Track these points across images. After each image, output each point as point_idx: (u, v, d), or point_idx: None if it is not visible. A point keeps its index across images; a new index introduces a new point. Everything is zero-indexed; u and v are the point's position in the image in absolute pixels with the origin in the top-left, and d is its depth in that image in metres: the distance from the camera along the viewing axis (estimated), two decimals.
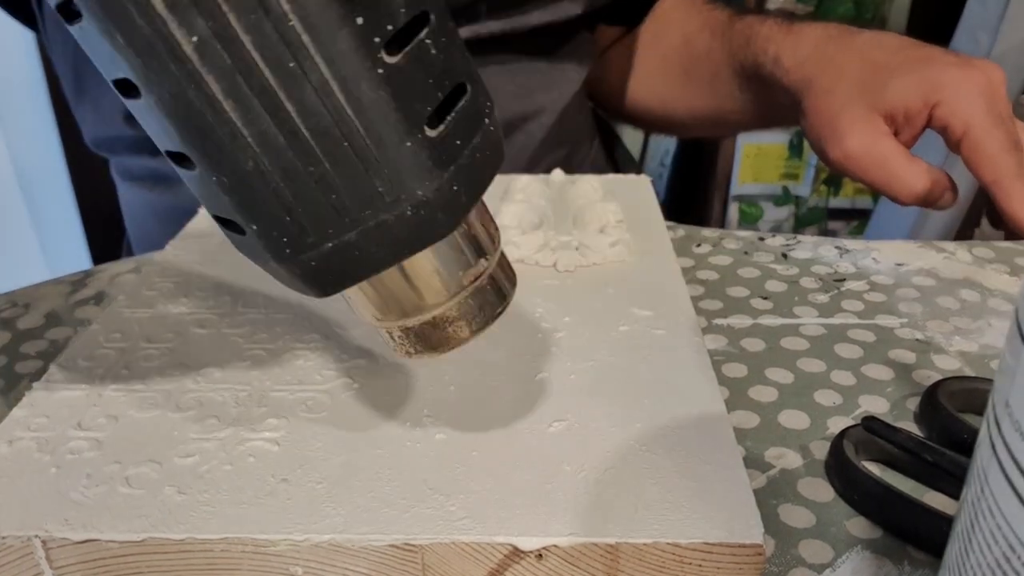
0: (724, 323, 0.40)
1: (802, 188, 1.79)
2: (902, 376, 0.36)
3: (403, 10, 0.18)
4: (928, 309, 0.41)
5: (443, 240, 0.21)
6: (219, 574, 0.23)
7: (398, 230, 0.20)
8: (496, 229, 0.23)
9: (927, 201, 0.46)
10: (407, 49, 0.19)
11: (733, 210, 1.82)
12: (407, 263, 0.21)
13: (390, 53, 0.18)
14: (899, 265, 0.45)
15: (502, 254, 0.24)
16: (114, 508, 0.24)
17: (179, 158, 0.20)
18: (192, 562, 0.23)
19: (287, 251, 0.20)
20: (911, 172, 0.45)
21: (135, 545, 0.23)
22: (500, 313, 0.23)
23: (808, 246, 0.47)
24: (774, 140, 1.75)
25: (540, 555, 0.22)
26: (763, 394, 0.35)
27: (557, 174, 0.44)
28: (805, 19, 0.56)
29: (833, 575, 0.26)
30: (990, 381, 0.31)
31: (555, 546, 0.22)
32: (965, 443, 0.30)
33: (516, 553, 0.22)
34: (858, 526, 0.28)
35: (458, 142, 0.20)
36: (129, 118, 0.55)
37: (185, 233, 0.41)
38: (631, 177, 0.47)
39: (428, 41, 0.19)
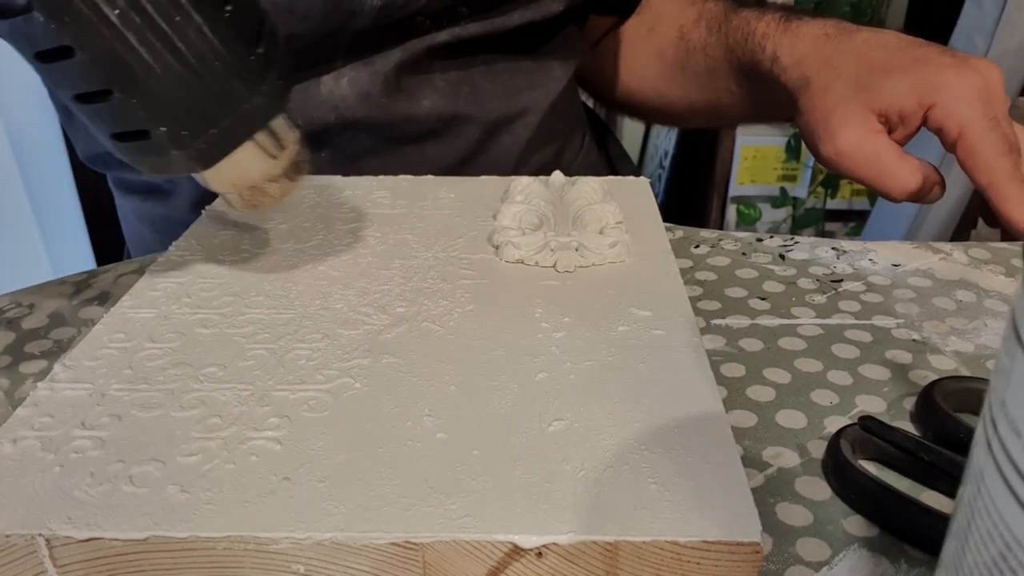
0: (722, 323, 0.40)
1: (799, 190, 1.80)
2: (899, 376, 0.36)
3: None
4: (924, 310, 0.41)
5: (279, 116, 0.33)
6: (222, 572, 0.24)
7: (255, 112, 0.31)
8: (295, 121, 0.34)
9: (917, 197, 0.46)
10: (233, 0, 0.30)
11: (731, 211, 1.83)
12: (258, 135, 0.32)
13: (226, 4, 0.29)
14: (896, 266, 0.45)
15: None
16: (117, 507, 0.24)
17: (92, 97, 0.30)
18: (195, 560, 0.23)
19: (187, 139, 0.30)
20: (903, 169, 0.45)
21: (138, 544, 0.23)
22: (305, 174, 0.35)
23: (805, 247, 0.48)
24: (772, 142, 1.75)
25: (540, 553, 0.23)
26: (761, 394, 0.35)
27: (557, 176, 0.45)
28: (803, 14, 0.55)
29: (830, 573, 0.26)
30: (986, 381, 0.31)
31: (555, 544, 0.23)
32: (961, 442, 0.30)
33: (516, 551, 0.23)
34: (855, 524, 0.28)
35: (273, 53, 0.31)
36: None
37: (188, 234, 0.41)
38: (630, 179, 0.47)
39: None
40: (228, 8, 0.29)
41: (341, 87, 0.54)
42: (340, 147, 0.56)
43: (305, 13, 0.50)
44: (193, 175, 0.33)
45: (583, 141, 0.68)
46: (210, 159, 0.31)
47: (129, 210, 0.64)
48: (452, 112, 0.57)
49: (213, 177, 0.33)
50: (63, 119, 0.61)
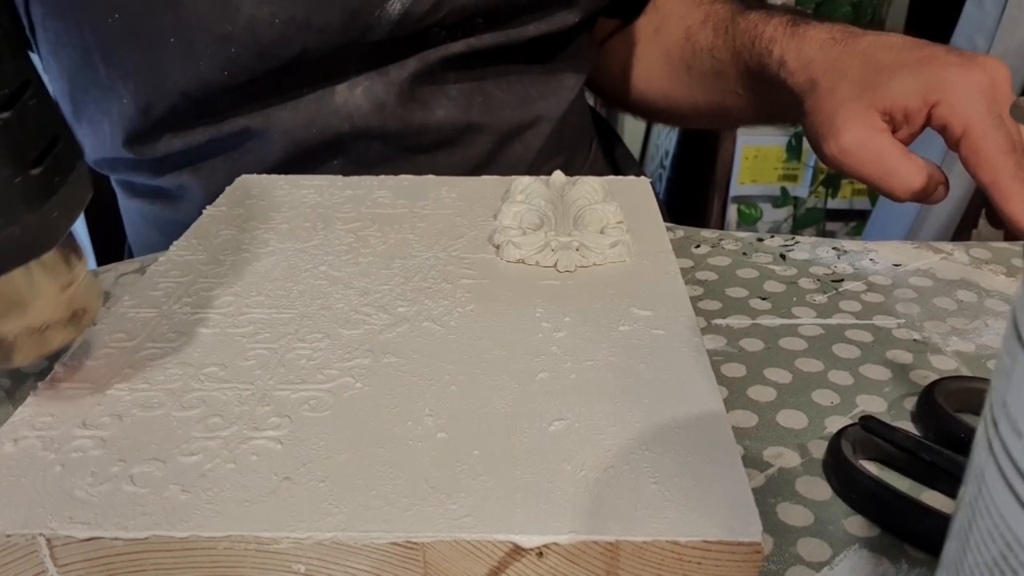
0: (723, 323, 0.40)
1: (800, 189, 1.80)
2: (899, 376, 0.36)
3: (12, 78, 0.24)
4: (925, 310, 0.41)
5: (49, 253, 0.26)
6: (222, 572, 0.24)
7: (10, 245, 0.25)
8: (80, 252, 0.29)
9: (921, 196, 0.46)
10: (16, 106, 0.24)
11: (732, 211, 1.83)
12: (19, 271, 0.26)
13: (3, 110, 0.24)
14: (896, 266, 0.45)
15: (87, 271, 0.29)
16: (118, 506, 0.24)
17: None
18: (196, 560, 0.23)
19: None
20: (907, 168, 0.45)
21: (139, 543, 0.23)
22: (90, 323, 0.30)
23: (806, 247, 0.48)
24: (773, 142, 1.75)
25: (541, 553, 0.23)
26: (762, 394, 0.35)
27: (557, 175, 0.45)
28: (810, 18, 0.56)
29: (831, 573, 0.26)
30: (987, 381, 0.31)
31: (555, 544, 0.23)
32: (962, 442, 0.30)
33: (517, 551, 0.23)
34: (856, 525, 0.28)
35: (56, 179, 0.26)
36: (129, 143, 0.55)
37: (189, 234, 0.41)
38: (631, 178, 0.47)
39: (31, 102, 0.25)
40: (3, 115, 0.24)
41: (356, 96, 0.54)
42: (353, 156, 0.56)
43: (322, 27, 0.50)
44: None
45: (591, 148, 0.68)
46: None
47: (135, 212, 0.64)
48: (465, 122, 0.57)
49: None
50: (69, 122, 0.60)
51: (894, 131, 0.47)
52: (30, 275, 0.26)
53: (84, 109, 0.57)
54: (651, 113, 0.75)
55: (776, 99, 0.56)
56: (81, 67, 0.54)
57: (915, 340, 0.39)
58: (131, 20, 0.51)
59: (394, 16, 0.51)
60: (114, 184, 0.65)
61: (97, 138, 0.57)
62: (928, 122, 0.46)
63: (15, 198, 0.24)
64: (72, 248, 0.28)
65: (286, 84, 0.53)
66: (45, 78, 0.60)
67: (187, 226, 0.43)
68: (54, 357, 0.37)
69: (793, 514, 0.28)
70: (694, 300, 0.41)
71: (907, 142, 0.47)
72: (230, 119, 0.54)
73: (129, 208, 0.65)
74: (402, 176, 0.48)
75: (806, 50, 0.52)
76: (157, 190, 0.60)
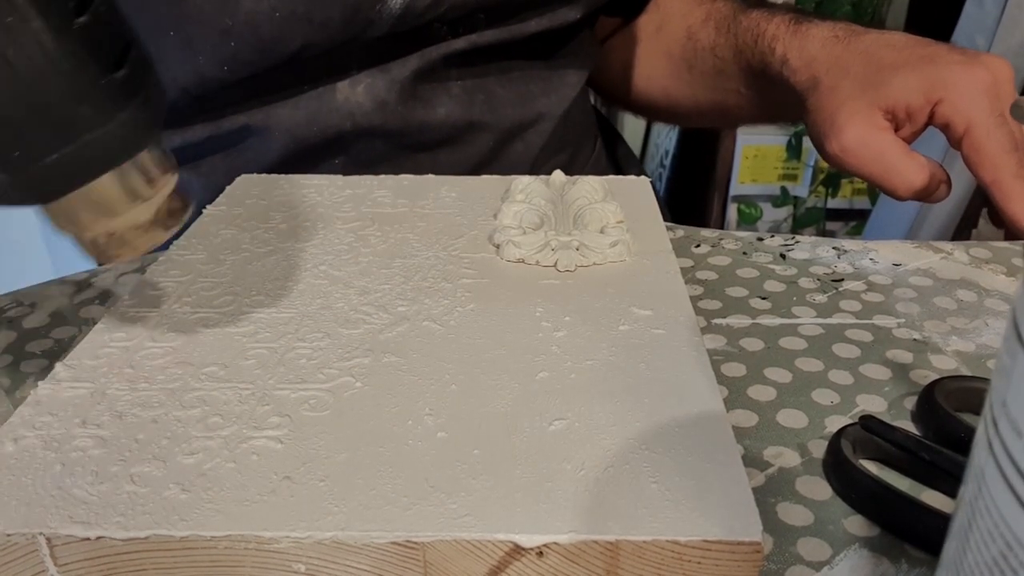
0: (723, 323, 0.40)
1: (800, 189, 1.79)
2: (899, 376, 0.36)
3: None
4: (925, 309, 0.41)
5: (139, 154, 0.27)
6: (222, 571, 0.24)
7: (106, 144, 0.26)
8: (171, 158, 0.29)
9: (923, 195, 0.46)
10: (90, 10, 0.25)
11: (732, 211, 1.83)
12: (111, 174, 0.27)
13: (79, 15, 0.24)
14: (897, 265, 0.45)
15: (178, 178, 0.30)
16: (118, 506, 0.24)
17: None
18: (196, 559, 0.23)
19: (19, 164, 0.25)
20: (909, 166, 0.45)
21: (139, 542, 0.23)
22: (180, 224, 0.30)
23: (806, 247, 0.48)
24: (773, 141, 1.75)
25: (541, 552, 0.23)
26: (762, 393, 0.35)
27: (558, 175, 0.45)
28: (812, 16, 0.56)
29: (831, 573, 0.26)
30: (987, 380, 0.31)
31: (555, 543, 0.23)
32: (962, 442, 0.30)
33: (517, 550, 0.23)
34: (856, 524, 0.28)
35: (139, 80, 0.27)
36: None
37: (189, 233, 0.41)
38: (631, 178, 0.47)
39: (102, 8, 0.25)
40: (81, 20, 0.25)
41: (357, 94, 0.54)
42: (354, 154, 0.56)
43: (323, 21, 0.50)
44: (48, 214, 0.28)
45: (594, 147, 0.68)
46: (48, 193, 0.26)
47: None
48: (467, 119, 0.57)
49: (59, 216, 0.28)
50: None
51: (896, 129, 0.47)
52: (123, 178, 0.27)
53: None
54: (652, 112, 0.75)
55: (778, 98, 0.56)
56: None
57: (915, 340, 0.39)
58: (130, 15, 0.51)
59: (395, 11, 0.51)
60: None
61: None
62: (931, 120, 0.46)
63: (105, 99, 0.25)
64: (163, 154, 0.29)
65: (286, 81, 0.53)
66: None
67: (186, 224, 0.42)
68: (54, 357, 0.37)
69: (793, 514, 0.29)
70: (694, 300, 0.41)
71: (909, 140, 0.47)
72: (229, 116, 0.53)
73: None
74: (402, 176, 0.48)
75: (809, 48, 0.52)
76: None
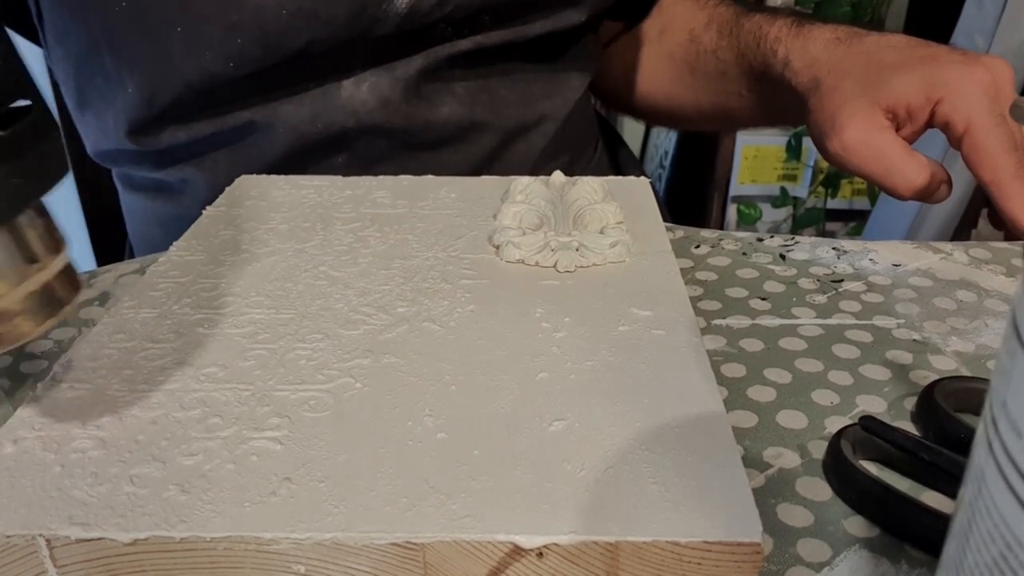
0: (723, 323, 0.40)
1: (800, 189, 1.79)
2: (899, 376, 0.36)
3: None
4: (925, 310, 0.41)
5: (5, 230, 0.24)
6: (222, 572, 0.24)
7: None
8: (62, 239, 0.26)
9: (924, 194, 0.46)
10: None
11: (731, 211, 1.83)
12: None
13: None
14: (896, 266, 0.45)
15: (68, 263, 0.26)
16: (118, 507, 0.24)
17: None
18: (195, 560, 0.23)
19: None
20: (910, 165, 0.45)
21: (139, 544, 0.23)
22: (56, 315, 0.26)
23: (806, 247, 0.48)
24: (772, 142, 1.75)
25: (541, 553, 0.23)
26: (761, 394, 0.35)
27: (557, 175, 0.45)
28: (814, 18, 0.56)
29: (831, 574, 0.26)
30: (986, 381, 0.31)
31: (555, 544, 0.23)
32: (962, 442, 0.30)
33: (517, 551, 0.23)
34: (856, 525, 0.28)
35: (21, 145, 0.24)
36: (132, 133, 0.55)
37: (189, 234, 0.41)
38: (631, 178, 0.47)
39: None
40: None
41: (362, 92, 0.54)
42: (357, 152, 0.56)
43: (328, 18, 0.50)
44: None
45: (595, 149, 0.68)
46: None
47: (135, 207, 0.64)
48: (470, 120, 0.57)
49: None
50: (74, 111, 0.60)
51: (897, 129, 0.47)
52: None
53: (89, 99, 0.57)
54: (653, 116, 0.75)
55: (780, 99, 0.56)
56: (87, 57, 0.54)
57: (915, 340, 0.39)
58: (138, 9, 0.50)
59: (401, 10, 0.51)
60: (115, 179, 0.65)
61: (101, 129, 0.57)
62: (931, 120, 0.46)
63: None
64: (49, 232, 0.25)
65: (291, 78, 0.53)
66: (53, 70, 0.59)
67: (189, 221, 0.43)
68: (54, 358, 0.37)
69: (793, 514, 0.28)
70: (694, 300, 0.41)
71: (910, 140, 0.47)
72: (234, 112, 0.54)
73: (130, 203, 0.65)
74: (402, 176, 0.48)
75: (810, 50, 0.52)
76: (159, 184, 0.59)
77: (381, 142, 0.55)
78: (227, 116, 0.54)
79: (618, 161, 0.73)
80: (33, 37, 0.59)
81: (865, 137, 0.46)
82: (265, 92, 0.53)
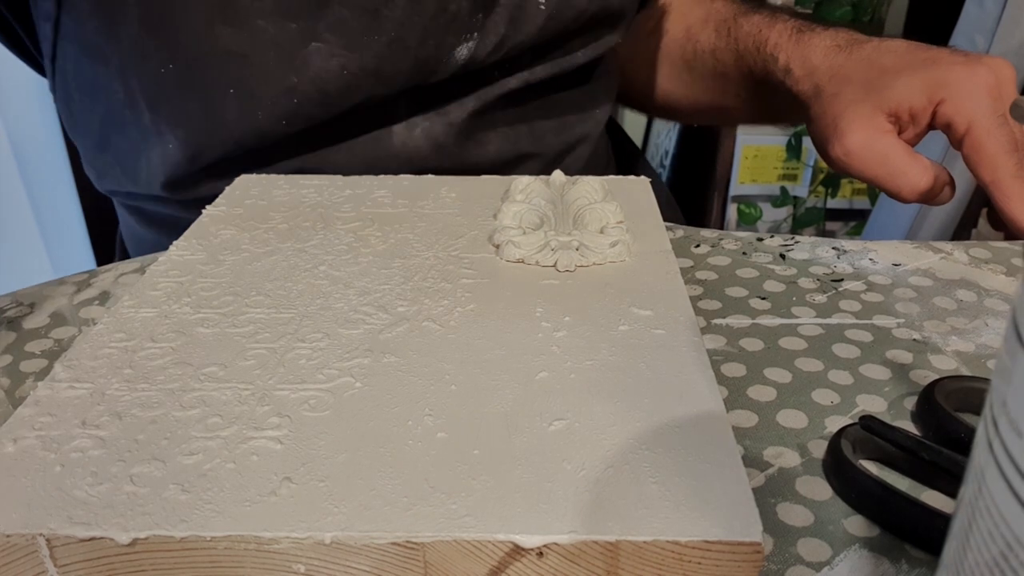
0: (723, 323, 0.40)
1: (800, 189, 1.80)
2: (899, 376, 0.36)
3: None
4: (925, 309, 0.41)
5: None
6: (222, 572, 0.24)
7: None
8: None
9: (928, 197, 0.46)
10: None
11: (732, 211, 1.83)
12: None
13: None
14: (896, 265, 0.45)
15: None
16: (118, 506, 0.24)
17: None
18: (195, 560, 0.23)
19: None
20: (913, 168, 0.45)
21: (139, 543, 0.23)
22: None
23: (806, 247, 0.48)
24: (772, 141, 1.75)
25: (541, 553, 0.23)
26: (761, 393, 0.35)
27: (557, 175, 0.45)
28: (814, 22, 0.56)
29: (831, 573, 0.26)
30: (987, 380, 0.31)
31: (556, 544, 0.23)
32: (962, 442, 0.30)
33: (517, 551, 0.23)
34: (856, 524, 0.28)
35: None
36: (169, 186, 0.53)
37: (189, 234, 0.41)
38: (631, 178, 0.47)
39: None
40: None
41: (415, 138, 0.54)
42: None
43: (391, 75, 0.50)
44: None
45: (611, 161, 0.68)
46: None
47: (144, 237, 0.62)
48: (515, 153, 0.57)
49: None
50: (89, 150, 0.57)
51: (900, 132, 0.47)
52: None
53: (116, 146, 0.55)
54: (649, 108, 0.75)
55: (780, 103, 0.56)
56: (120, 111, 0.52)
57: (915, 340, 0.39)
58: (189, 70, 0.49)
59: (460, 61, 0.51)
60: (122, 207, 0.63)
61: (126, 175, 0.55)
62: (933, 121, 0.46)
63: None
64: None
65: (341, 128, 0.52)
66: (63, 105, 0.56)
67: (187, 226, 0.42)
68: (54, 357, 0.37)
69: (793, 514, 0.28)
70: (694, 300, 0.41)
71: (913, 143, 0.47)
72: (282, 162, 0.53)
73: (137, 233, 0.63)
74: (402, 176, 0.48)
75: (811, 58, 0.52)
76: (177, 221, 0.57)
77: None
78: (274, 166, 0.53)
79: (636, 170, 0.74)
80: (23, 55, 0.58)
81: (868, 142, 0.46)
82: (315, 143, 0.53)
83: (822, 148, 0.50)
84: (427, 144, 0.54)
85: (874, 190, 1.65)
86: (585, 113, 0.61)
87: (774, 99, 0.57)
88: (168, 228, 0.58)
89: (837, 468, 0.30)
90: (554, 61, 0.56)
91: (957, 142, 0.44)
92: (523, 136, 0.57)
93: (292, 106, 0.49)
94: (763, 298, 0.42)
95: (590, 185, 0.42)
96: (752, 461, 0.31)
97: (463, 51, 0.51)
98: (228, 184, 0.50)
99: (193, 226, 0.42)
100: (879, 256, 0.46)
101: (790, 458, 0.31)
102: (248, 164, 0.52)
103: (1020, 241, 0.46)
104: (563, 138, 0.59)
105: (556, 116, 0.59)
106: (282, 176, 0.48)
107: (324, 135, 0.52)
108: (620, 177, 0.47)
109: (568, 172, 0.59)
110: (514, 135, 0.57)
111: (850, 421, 0.33)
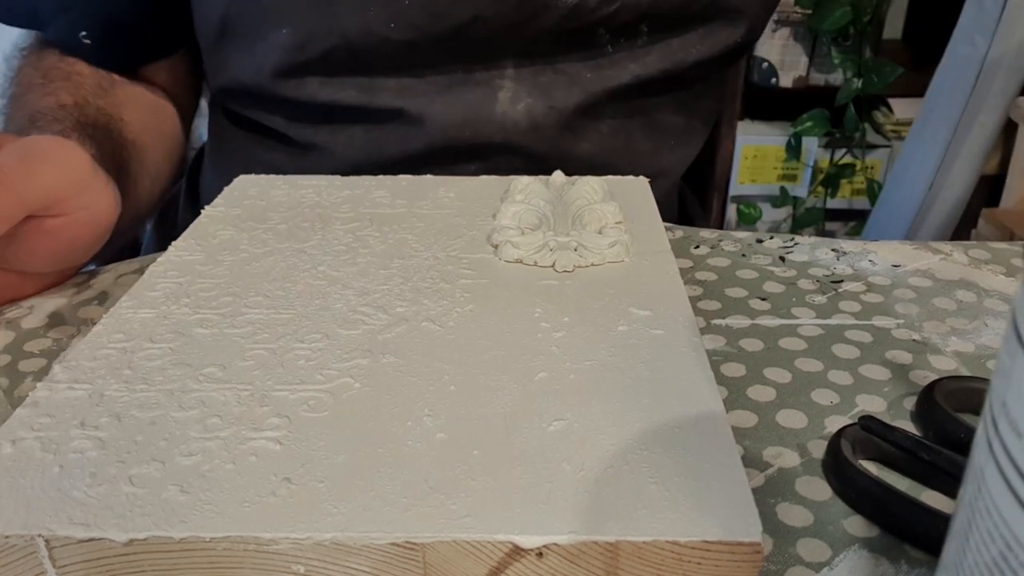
0: (722, 323, 0.40)
1: (800, 189, 1.80)
2: (899, 376, 0.36)
3: None
4: (925, 310, 0.41)
5: None
6: (222, 572, 0.23)
7: None
8: None
9: None
10: None
11: (731, 211, 1.83)
12: None
13: None
14: (896, 266, 0.45)
15: None
16: (117, 507, 0.24)
17: None
18: (195, 561, 0.23)
19: None
20: None
21: (138, 544, 0.23)
22: None
23: (805, 248, 0.48)
24: (772, 141, 1.75)
25: (540, 553, 0.23)
26: (761, 394, 0.35)
27: (557, 175, 0.45)
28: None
29: (831, 574, 0.26)
30: (986, 380, 0.31)
31: (555, 544, 0.23)
32: (962, 442, 0.30)
33: (516, 551, 0.23)
34: (855, 525, 0.28)
35: None
36: (278, 74, 0.54)
37: (187, 234, 0.41)
38: (630, 178, 0.47)
39: None
40: None
41: (516, 112, 0.54)
42: (492, 164, 0.56)
43: (495, 3, 0.50)
44: None
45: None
46: None
47: (238, 149, 0.62)
48: (603, 160, 0.57)
49: None
50: (210, 45, 0.58)
51: None
52: None
53: (237, 31, 0.56)
54: None
55: None
56: None
57: (915, 340, 0.39)
58: None
59: (569, 4, 0.51)
60: (221, 124, 0.63)
61: (242, 62, 0.56)
62: None
63: None
64: None
65: (441, 63, 0.53)
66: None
67: (185, 225, 0.42)
68: (53, 356, 0.37)
69: (793, 514, 0.28)
70: (693, 300, 0.41)
71: None
72: (384, 91, 0.53)
73: (235, 142, 0.62)
74: (400, 176, 0.48)
75: None
76: (284, 138, 0.58)
77: (518, 161, 0.56)
78: (377, 93, 0.53)
79: (689, 215, 0.74)
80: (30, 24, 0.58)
81: None
82: (417, 74, 0.53)
83: None
84: (526, 120, 0.54)
85: (874, 190, 1.65)
86: (679, 144, 0.61)
87: None
88: (271, 143, 0.59)
89: (837, 468, 0.30)
90: (667, 53, 0.56)
91: None
92: (618, 146, 0.57)
93: (402, 7, 0.50)
94: (763, 299, 0.42)
95: (589, 185, 0.42)
96: (752, 461, 0.31)
97: None
98: (332, 89, 0.51)
99: (192, 226, 0.42)
100: (879, 257, 0.46)
101: (790, 458, 0.31)
102: (353, 71, 0.52)
103: (1020, 241, 0.46)
104: (651, 163, 0.59)
105: (654, 137, 0.59)
106: (280, 176, 0.48)
107: (427, 65, 0.52)
108: (620, 177, 0.47)
109: None
110: (610, 142, 0.57)
111: (850, 421, 0.33)
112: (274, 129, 0.59)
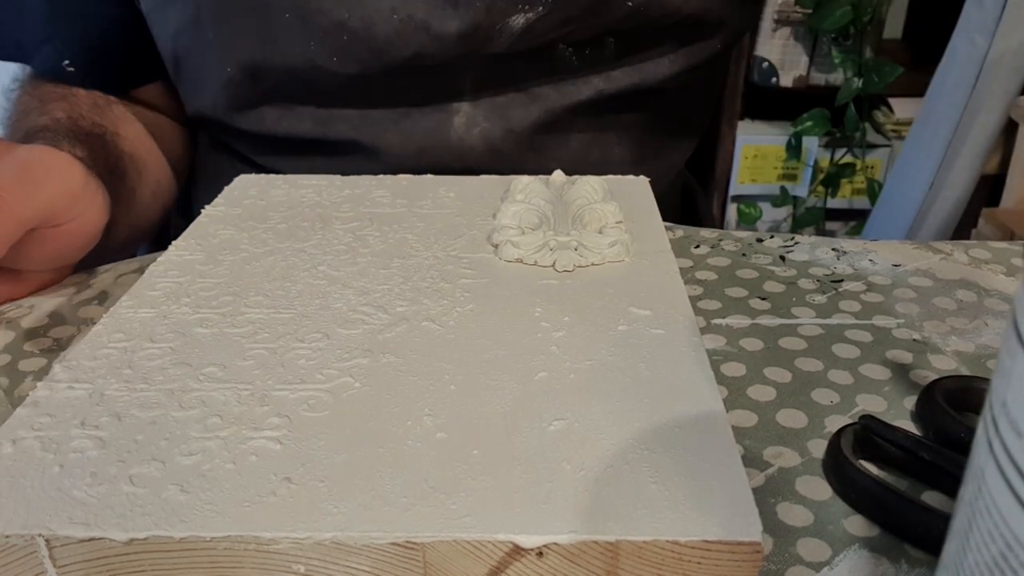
0: (723, 323, 0.40)
1: (800, 189, 1.80)
2: (899, 376, 0.36)
3: None
4: (925, 309, 0.41)
5: None
6: (222, 572, 0.23)
7: None
8: None
9: None
10: None
11: (732, 211, 1.83)
12: None
13: None
14: (896, 266, 0.45)
15: None
16: (117, 507, 0.24)
17: None
18: (195, 560, 0.23)
19: None
20: None
21: (138, 544, 0.23)
22: None
23: (806, 248, 0.48)
24: (772, 141, 1.75)
25: (540, 553, 0.23)
26: (761, 393, 0.35)
27: (557, 175, 0.45)
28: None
29: (831, 573, 0.26)
30: (986, 380, 0.31)
31: (555, 544, 0.23)
32: (962, 441, 0.30)
33: (517, 551, 0.23)
34: (856, 524, 0.28)
35: None
36: (233, 109, 0.54)
37: (188, 234, 0.41)
38: (630, 178, 0.47)
39: None
40: None
41: (472, 137, 0.53)
42: None
43: (439, 34, 0.49)
44: None
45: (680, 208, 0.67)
46: None
47: (224, 168, 0.62)
48: (580, 174, 0.57)
49: None
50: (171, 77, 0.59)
51: None
52: None
53: (187, 68, 0.56)
54: None
55: None
56: (187, 28, 0.53)
57: (915, 340, 0.39)
58: None
59: (516, 30, 0.50)
60: (203, 144, 0.64)
61: (200, 94, 0.57)
62: None
63: None
64: None
65: (396, 94, 0.52)
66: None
67: (186, 225, 0.42)
68: (53, 356, 0.37)
69: (793, 514, 0.28)
70: (693, 300, 0.41)
71: None
72: (338, 122, 0.53)
73: (217, 171, 0.63)
74: (400, 176, 0.48)
75: None
76: (256, 164, 0.59)
77: None
78: (333, 124, 0.53)
79: (699, 216, 0.73)
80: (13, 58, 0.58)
81: None
82: (369, 104, 0.52)
83: None
84: (483, 145, 0.53)
85: (874, 190, 1.65)
86: (660, 153, 0.58)
87: None
88: (235, 160, 0.60)
89: (837, 468, 0.30)
90: (635, 67, 0.53)
91: None
92: (592, 159, 0.55)
93: (342, 43, 0.50)
94: (763, 298, 0.42)
95: (589, 185, 0.42)
96: (752, 461, 0.31)
97: (519, 20, 0.49)
98: (289, 120, 0.51)
99: (192, 226, 0.42)
100: (879, 257, 0.46)
101: (790, 458, 0.31)
102: (305, 102, 0.52)
103: (1020, 241, 0.46)
104: (636, 172, 0.58)
105: (632, 148, 0.57)
106: (281, 176, 0.48)
107: (378, 98, 0.52)
108: (620, 177, 0.47)
109: None
110: (583, 155, 0.55)
111: (850, 421, 0.33)
112: (244, 155, 0.60)
